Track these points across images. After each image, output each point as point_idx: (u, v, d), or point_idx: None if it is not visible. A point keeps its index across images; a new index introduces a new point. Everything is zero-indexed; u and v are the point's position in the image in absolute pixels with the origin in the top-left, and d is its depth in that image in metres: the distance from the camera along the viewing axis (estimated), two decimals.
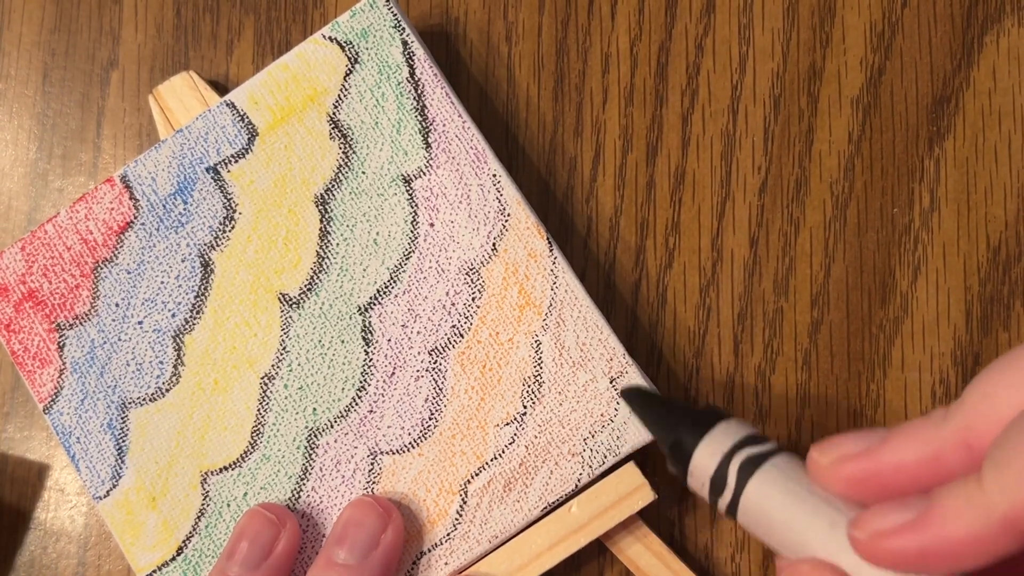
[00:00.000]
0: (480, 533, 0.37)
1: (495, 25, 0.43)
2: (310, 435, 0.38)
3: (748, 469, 0.31)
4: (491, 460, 0.38)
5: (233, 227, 0.39)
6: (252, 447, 0.38)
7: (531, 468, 0.37)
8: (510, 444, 0.38)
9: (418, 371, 0.38)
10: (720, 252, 0.41)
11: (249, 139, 0.39)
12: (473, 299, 0.38)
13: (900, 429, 0.29)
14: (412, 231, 0.39)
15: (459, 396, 0.38)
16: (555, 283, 0.38)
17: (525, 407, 0.38)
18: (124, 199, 0.39)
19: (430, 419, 0.38)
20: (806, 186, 0.41)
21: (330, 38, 0.39)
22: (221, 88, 0.43)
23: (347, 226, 0.39)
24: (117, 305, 0.39)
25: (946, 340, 0.40)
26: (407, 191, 0.39)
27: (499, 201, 0.38)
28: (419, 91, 0.39)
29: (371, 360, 0.38)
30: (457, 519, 0.38)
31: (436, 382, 0.38)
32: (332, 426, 0.38)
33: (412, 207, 0.39)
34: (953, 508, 0.26)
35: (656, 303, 0.41)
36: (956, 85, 0.41)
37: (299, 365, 0.39)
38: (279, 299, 0.39)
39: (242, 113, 0.39)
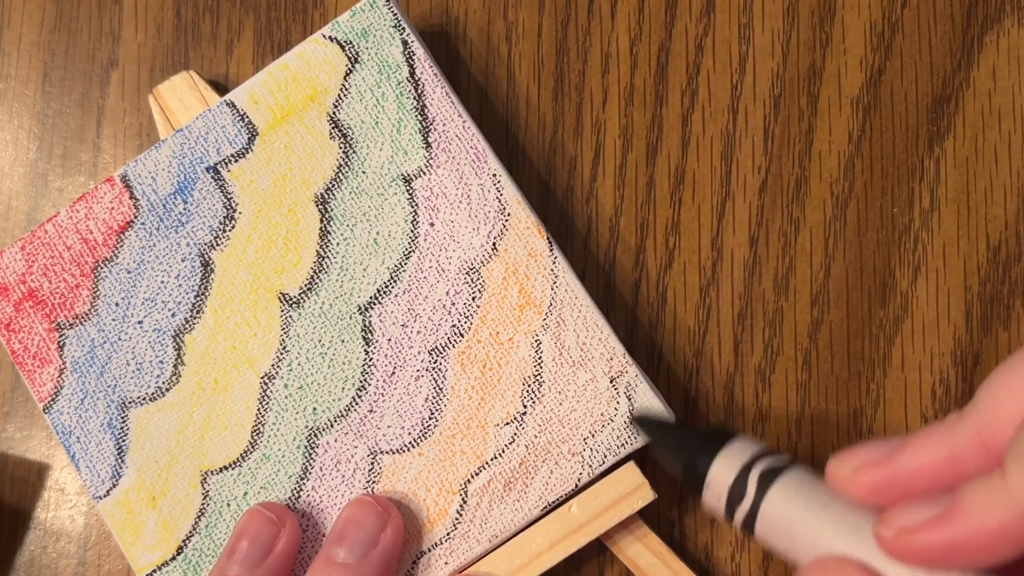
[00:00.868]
0: (480, 533, 0.37)
1: (495, 25, 0.43)
2: (310, 434, 0.38)
3: (768, 478, 0.31)
4: (491, 460, 0.38)
5: (233, 227, 0.39)
6: (252, 447, 0.38)
7: (531, 468, 0.37)
8: (510, 444, 0.38)
9: (418, 371, 0.38)
10: (720, 252, 0.41)
11: (249, 139, 0.39)
12: (473, 299, 0.38)
13: (917, 434, 0.29)
14: (412, 231, 0.39)
15: (459, 396, 0.38)
16: (555, 283, 0.38)
17: (525, 407, 0.38)
18: (124, 199, 0.39)
19: (430, 419, 0.38)
20: (806, 186, 0.41)
21: (330, 38, 0.39)
22: (221, 88, 0.43)
23: (347, 226, 0.39)
24: (117, 305, 0.39)
25: (946, 340, 0.40)
26: (407, 191, 0.39)
27: (499, 201, 0.38)
28: (419, 91, 0.39)
29: (371, 360, 0.38)
30: (457, 519, 0.38)
31: (436, 382, 0.38)
32: (332, 425, 0.38)
33: (412, 207, 0.39)
34: (978, 503, 0.26)
35: (656, 303, 0.41)
36: (956, 85, 0.41)
37: (299, 365, 0.39)
38: (279, 299, 0.39)
39: (242, 113, 0.39)
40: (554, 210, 0.41)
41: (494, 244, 0.38)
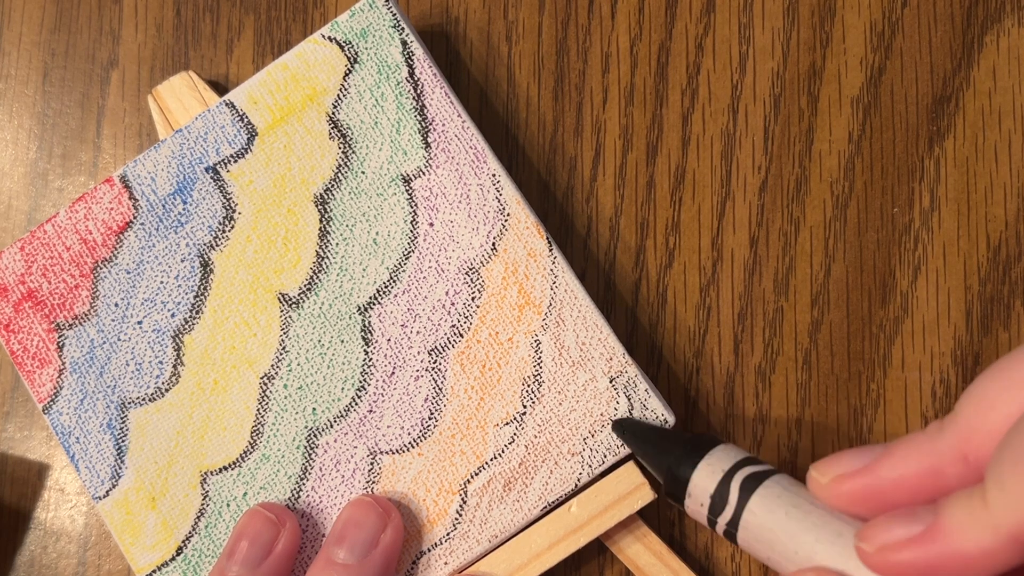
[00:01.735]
0: (480, 533, 0.37)
1: (495, 25, 0.43)
2: (310, 435, 0.38)
3: (750, 486, 0.31)
4: (491, 460, 0.38)
5: (232, 227, 0.39)
6: (252, 447, 0.38)
7: (531, 468, 0.37)
8: (510, 444, 0.37)
9: (418, 371, 0.38)
10: (720, 252, 0.41)
11: (248, 139, 0.39)
12: (473, 299, 0.38)
13: (896, 444, 0.29)
14: (412, 231, 0.39)
15: (459, 396, 0.38)
16: (555, 282, 0.38)
17: (525, 407, 0.38)
18: (123, 199, 0.39)
19: (430, 419, 0.38)
20: (806, 186, 0.41)
21: (329, 38, 0.39)
22: (221, 88, 0.43)
23: (346, 226, 0.39)
24: (116, 305, 0.39)
25: (946, 340, 0.40)
26: (406, 191, 0.39)
27: (498, 200, 0.38)
28: (418, 91, 0.39)
29: (371, 360, 0.38)
30: (457, 519, 0.38)
31: (436, 382, 0.38)
32: (332, 426, 0.38)
33: (411, 207, 0.39)
34: (959, 524, 0.26)
35: (656, 303, 0.41)
36: (956, 85, 0.41)
37: (299, 365, 0.39)
38: (279, 299, 0.39)
39: (241, 113, 0.39)
40: (554, 210, 0.41)
41: (493, 244, 0.38)
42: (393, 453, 0.38)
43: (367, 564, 0.36)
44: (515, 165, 0.42)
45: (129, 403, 0.39)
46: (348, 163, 0.39)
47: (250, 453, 0.38)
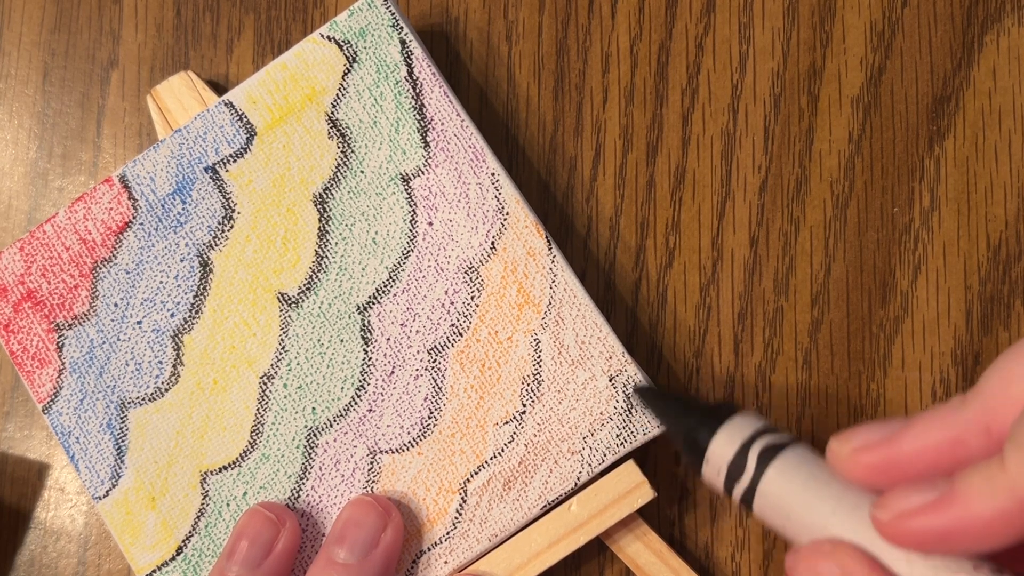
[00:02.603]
0: (480, 532, 0.37)
1: (495, 25, 0.43)
2: (309, 434, 0.38)
3: (768, 455, 0.31)
4: (490, 459, 0.38)
5: (232, 227, 0.39)
6: (251, 446, 0.38)
7: (530, 466, 0.37)
8: (509, 443, 0.37)
9: (417, 370, 0.38)
10: (720, 251, 0.41)
11: (247, 139, 0.39)
12: (472, 298, 0.38)
13: (918, 416, 0.29)
14: (411, 230, 0.39)
15: (458, 395, 0.38)
16: (554, 281, 0.38)
17: (524, 406, 0.38)
18: (123, 199, 0.39)
19: (429, 418, 0.38)
20: (806, 185, 0.41)
21: (328, 37, 0.39)
22: (220, 88, 0.43)
23: (346, 225, 0.39)
24: (116, 305, 0.39)
25: (946, 339, 0.40)
26: (406, 190, 0.39)
27: (498, 200, 0.38)
28: (417, 90, 0.39)
29: (370, 359, 0.38)
30: (457, 518, 0.38)
31: (435, 381, 0.38)
32: (331, 425, 0.38)
33: (411, 206, 0.39)
34: (976, 488, 0.26)
35: (656, 303, 0.41)
36: (956, 85, 0.41)
37: (298, 364, 0.39)
38: (278, 298, 0.39)
39: (240, 113, 0.39)
40: (554, 210, 0.41)
41: (493, 243, 0.38)
42: (393, 452, 0.38)
43: (367, 564, 0.36)
44: (515, 165, 0.42)
45: (129, 403, 0.39)
46: (347, 162, 0.39)
47: (250, 453, 0.38)
